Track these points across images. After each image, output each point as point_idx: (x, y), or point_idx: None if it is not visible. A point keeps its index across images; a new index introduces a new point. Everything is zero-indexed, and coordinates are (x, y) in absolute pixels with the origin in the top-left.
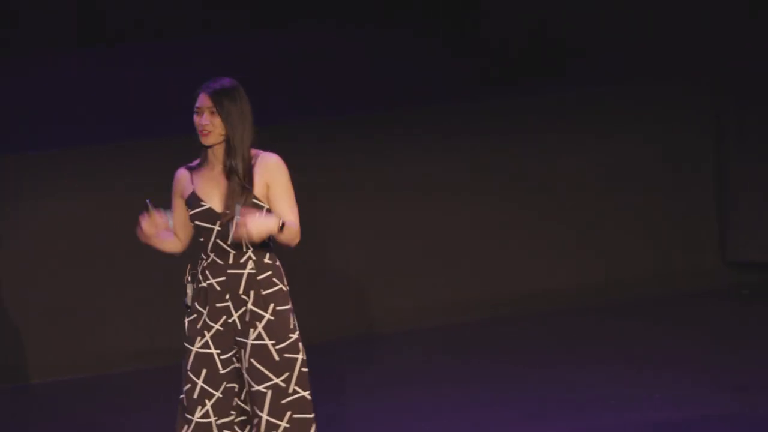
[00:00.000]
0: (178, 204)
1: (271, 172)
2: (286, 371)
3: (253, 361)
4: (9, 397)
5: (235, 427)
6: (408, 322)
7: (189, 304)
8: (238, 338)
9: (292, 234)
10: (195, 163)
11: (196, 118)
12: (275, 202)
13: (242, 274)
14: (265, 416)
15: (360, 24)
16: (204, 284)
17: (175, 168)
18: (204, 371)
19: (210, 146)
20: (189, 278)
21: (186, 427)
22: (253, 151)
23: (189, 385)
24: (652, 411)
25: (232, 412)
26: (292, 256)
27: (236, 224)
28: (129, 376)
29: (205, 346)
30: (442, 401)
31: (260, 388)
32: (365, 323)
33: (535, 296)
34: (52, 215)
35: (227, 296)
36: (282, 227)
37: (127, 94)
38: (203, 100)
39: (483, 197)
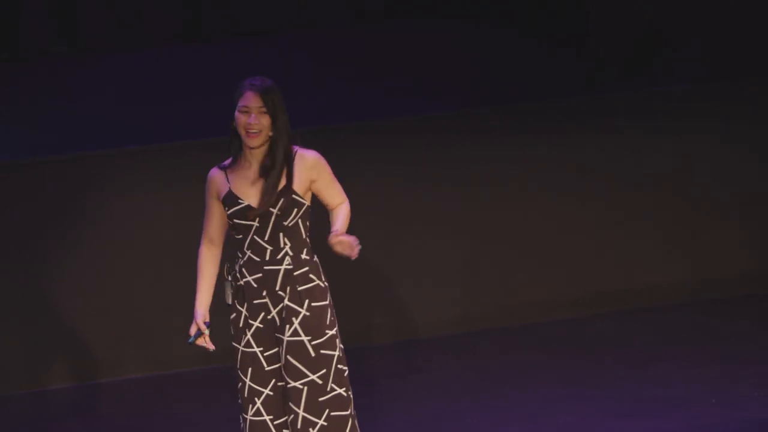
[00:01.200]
0: (214, 205)
1: (316, 170)
2: (323, 368)
3: (289, 357)
4: (106, 391)
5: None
6: (498, 320)
7: (230, 302)
8: (277, 335)
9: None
10: (227, 162)
11: (242, 118)
12: (324, 191)
13: (279, 270)
14: (301, 412)
15: (462, 22)
16: (241, 282)
17: None
18: (250, 369)
19: (256, 147)
20: (229, 277)
21: (243, 425)
22: (293, 148)
23: (240, 384)
24: (754, 409)
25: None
26: (393, 255)
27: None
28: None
29: (248, 344)
30: (536, 400)
31: (296, 384)
32: (453, 320)
33: (628, 294)
34: (151, 212)
35: (264, 293)
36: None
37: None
38: (252, 99)
39: (577, 196)
